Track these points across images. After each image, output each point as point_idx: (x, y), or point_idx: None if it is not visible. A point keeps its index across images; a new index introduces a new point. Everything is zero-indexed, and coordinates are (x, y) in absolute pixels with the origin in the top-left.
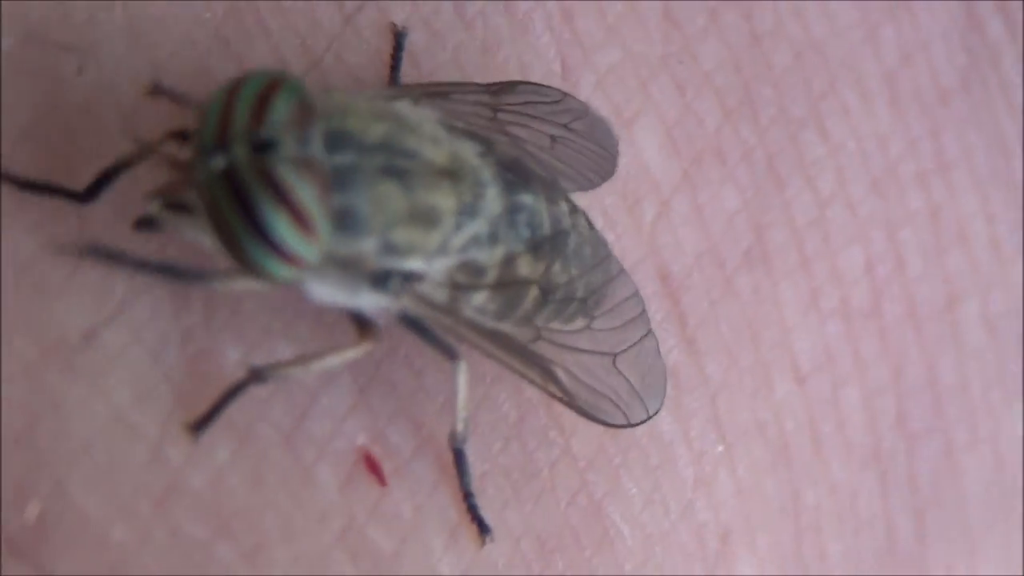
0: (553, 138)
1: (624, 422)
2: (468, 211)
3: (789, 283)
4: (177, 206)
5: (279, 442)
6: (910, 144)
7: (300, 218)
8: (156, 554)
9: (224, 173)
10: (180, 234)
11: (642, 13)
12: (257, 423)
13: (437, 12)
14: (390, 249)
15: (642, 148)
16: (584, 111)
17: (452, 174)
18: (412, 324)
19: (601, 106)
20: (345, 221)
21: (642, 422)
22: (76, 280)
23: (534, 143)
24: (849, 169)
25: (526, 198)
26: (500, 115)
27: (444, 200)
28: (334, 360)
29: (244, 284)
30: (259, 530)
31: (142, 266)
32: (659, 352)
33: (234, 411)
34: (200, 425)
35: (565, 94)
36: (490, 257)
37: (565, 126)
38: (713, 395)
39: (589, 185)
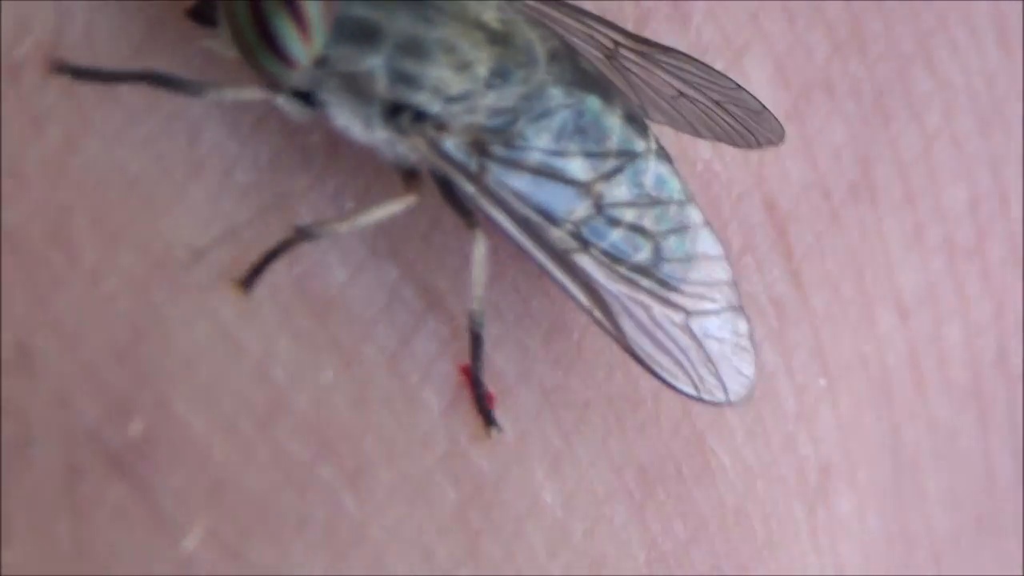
0: (681, 94)
1: (693, 392)
2: (507, 76)
3: (894, 218)
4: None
5: (383, 363)
6: (1017, 83)
7: (298, 15)
8: (258, 473)
9: None
10: (203, 39)
11: None
12: (362, 344)
13: None
14: (400, 77)
15: (751, 79)
16: (759, 108)
17: (494, 33)
18: (442, 183)
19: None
20: (349, 32)
21: (715, 404)
22: (185, 197)
23: (651, 86)
24: (956, 106)
25: (592, 102)
26: (622, 51)
27: (473, 49)
28: (379, 213)
29: (250, 93)
30: (362, 452)
31: (128, 77)
32: (752, 337)
33: (341, 332)
34: (248, 281)
35: (742, 87)
36: (535, 139)
37: (713, 100)
38: (817, 328)
39: (698, 136)
